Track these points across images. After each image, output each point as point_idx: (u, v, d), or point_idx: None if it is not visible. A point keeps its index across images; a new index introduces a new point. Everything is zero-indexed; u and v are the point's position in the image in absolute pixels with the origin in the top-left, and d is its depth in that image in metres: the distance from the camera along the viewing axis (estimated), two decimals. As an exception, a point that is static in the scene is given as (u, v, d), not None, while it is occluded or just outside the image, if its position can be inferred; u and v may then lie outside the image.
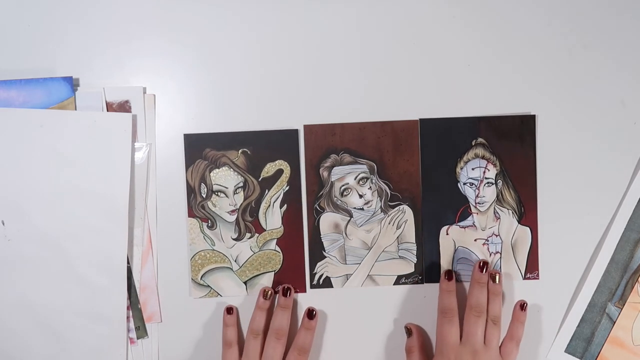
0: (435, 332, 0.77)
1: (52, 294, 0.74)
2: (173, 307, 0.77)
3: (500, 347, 0.74)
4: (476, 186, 0.77)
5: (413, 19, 0.76)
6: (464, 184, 0.77)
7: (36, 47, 0.75)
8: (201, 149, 0.76)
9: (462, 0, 0.76)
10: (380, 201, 0.77)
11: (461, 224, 0.77)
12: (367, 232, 0.77)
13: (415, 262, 0.77)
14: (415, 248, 0.77)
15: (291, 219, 0.76)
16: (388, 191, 0.77)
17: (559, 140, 0.77)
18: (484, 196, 0.77)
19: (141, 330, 0.76)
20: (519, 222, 0.77)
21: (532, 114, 0.77)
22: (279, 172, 0.76)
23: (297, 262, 0.77)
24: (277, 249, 0.77)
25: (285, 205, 0.76)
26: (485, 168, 0.77)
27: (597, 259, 0.77)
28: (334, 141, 0.76)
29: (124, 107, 0.75)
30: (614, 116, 0.77)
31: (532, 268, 0.77)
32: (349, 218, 0.77)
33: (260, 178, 0.76)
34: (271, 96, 0.76)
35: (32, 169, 0.73)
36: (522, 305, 0.75)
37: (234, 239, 0.76)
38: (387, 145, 0.76)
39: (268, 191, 0.76)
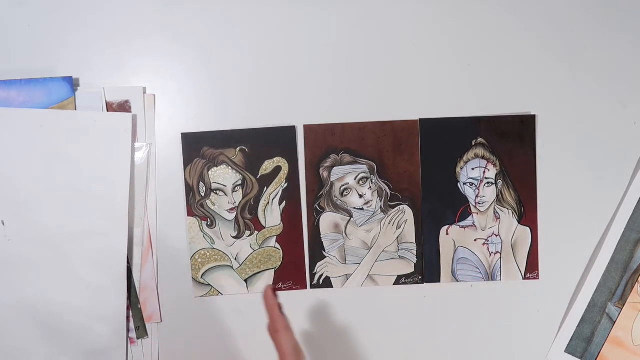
0: (433, 332, 0.77)
1: (52, 294, 0.74)
2: (173, 307, 0.76)
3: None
4: (476, 186, 0.77)
5: (413, 19, 0.76)
6: (464, 184, 0.77)
7: (36, 47, 0.75)
8: (199, 147, 0.76)
9: (462, 1, 0.77)
10: (380, 201, 0.77)
11: (461, 224, 0.77)
12: (367, 232, 0.77)
13: (415, 262, 0.77)
14: (415, 248, 0.77)
15: (290, 215, 0.76)
16: (388, 191, 0.77)
17: (559, 140, 0.77)
18: (484, 196, 0.77)
19: (141, 330, 0.76)
20: (519, 222, 0.77)
21: (532, 114, 0.77)
22: (277, 169, 0.76)
23: (297, 259, 0.77)
24: (277, 246, 0.77)
25: (284, 202, 0.76)
26: (485, 168, 0.77)
27: (597, 259, 0.77)
28: (334, 141, 0.76)
29: (124, 107, 0.75)
30: (614, 116, 0.77)
31: (532, 268, 0.77)
32: (349, 218, 0.77)
33: (259, 175, 0.76)
34: (271, 96, 0.76)
35: (32, 169, 0.73)
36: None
37: (233, 237, 0.76)
38: (387, 145, 0.76)
39: (267, 188, 0.76)
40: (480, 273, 0.77)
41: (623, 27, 0.77)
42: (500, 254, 0.77)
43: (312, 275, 0.77)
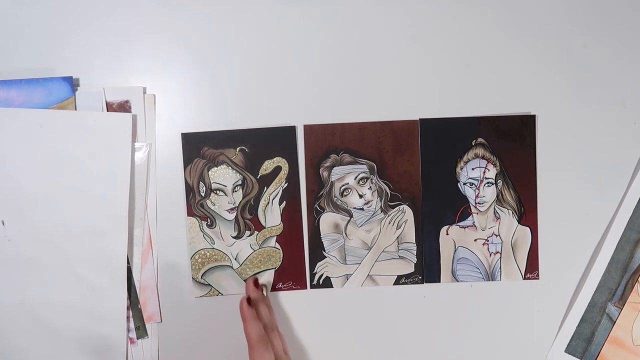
0: (433, 332, 0.77)
1: (52, 294, 0.74)
2: (173, 307, 0.76)
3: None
4: (476, 186, 0.77)
5: (413, 19, 0.76)
6: (464, 184, 0.77)
7: (36, 47, 0.75)
8: (199, 147, 0.76)
9: (462, 0, 0.77)
10: (380, 201, 0.77)
11: (461, 224, 0.77)
12: (367, 232, 0.77)
13: (415, 262, 0.77)
14: (415, 248, 0.77)
15: (290, 215, 0.76)
16: (388, 191, 0.77)
17: (559, 140, 0.77)
18: (484, 196, 0.77)
19: (141, 330, 0.76)
20: (519, 222, 0.77)
21: (532, 114, 0.77)
22: (277, 169, 0.76)
23: (297, 259, 0.77)
24: (277, 246, 0.77)
25: (284, 202, 0.76)
26: (485, 168, 0.77)
27: (597, 259, 0.77)
28: (334, 141, 0.76)
29: (124, 107, 0.75)
30: (614, 116, 0.77)
31: (532, 268, 0.77)
32: (349, 218, 0.77)
33: (259, 175, 0.76)
34: (271, 96, 0.76)
35: (32, 169, 0.73)
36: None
37: (233, 237, 0.76)
38: (387, 145, 0.76)
39: (267, 188, 0.76)
40: (480, 273, 0.77)
41: (623, 27, 0.77)
42: (500, 254, 0.77)
43: (312, 275, 0.77)
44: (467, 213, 0.77)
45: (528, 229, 0.77)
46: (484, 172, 0.77)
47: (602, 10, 0.77)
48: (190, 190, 0.76)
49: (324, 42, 0.76)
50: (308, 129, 0.76)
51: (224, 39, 0.76)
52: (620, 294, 0.77)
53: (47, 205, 0.73)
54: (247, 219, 0.76)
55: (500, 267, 0.77)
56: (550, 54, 0.77)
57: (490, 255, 0.77)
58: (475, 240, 0.77)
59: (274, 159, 0.76)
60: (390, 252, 0.77)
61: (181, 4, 0.76)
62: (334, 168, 0.76)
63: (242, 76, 0.76)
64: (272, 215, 0.76)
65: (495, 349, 0.78)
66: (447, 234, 0.77)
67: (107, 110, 0.75)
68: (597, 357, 0.77)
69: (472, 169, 0.77)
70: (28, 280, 0.73)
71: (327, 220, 0.77)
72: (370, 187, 0.76)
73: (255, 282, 0.74)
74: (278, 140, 0.76)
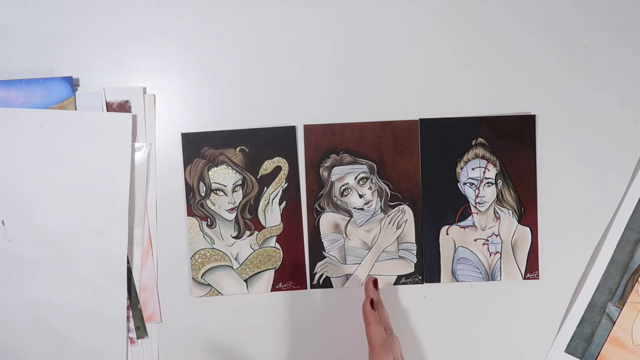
0: (433, 332, 0.77)
1: (52, 294, 0.74)
2: (173, 307, 0.77)
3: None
4: (476, 186, 0.77)
5: (413, 19, 0.76)
6: (464, 184, 0.77)
7: (36, 47, 0.75)
8: (199, 147, 0.76)
9: (462, 1, 0.77)
10: (380, 201, 0.77)
11: (461, 224, 0.77)
12: (367, 232, 0.77)
13: (415, 262, 0.77)
14: (415, 248, 0.77)
15: (290, 215, 0.76)
16: (388, 191, 0.77)
17: (559, 140, 0.77)
18: (484, 196, 0.77)
19: (141, 330, 0.76)
20: (519, 222, 0.77)
21: (532, 114, 0.77)
22: (277, 169, 0.76)
23: (297, 259, 0.77)
24: (277, 246, 0.77)
25: (284, 202, 0.76)
26: (485, 168, 0.77)
27: (597, 259, 0.77)
28: (334, 141, 0.76)
29: (124, 107, 0.75)
30: (614, 116, 0.77)
31: (532, 268, 0.77)
32: (349, 218, 0.77)
33: (259, 175, 0.76)
34: (271, 96, 0.76)
35: (32, 169, 0.73)
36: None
37: (233, 237, 0.76)
38: (387, 145, 0.76)
39: (267, 188, 0.76)
40: (480, 273, 0.77)
41: (623, 27, 0.77)
42: (500, 254, 0.77)
43: (312, 275, 0.77)
44: (467, 213, 0.77)
45: (528, 229, 0.77)
46: (484, 172, 0.77)
47: (602, 10, 0.77)
48: (190, 190, 0.76)
49: (324, 42, 0.76)
50: (308, 129, 0.76)
51: (224, 39, 0.76)
52: (620, 294, 0.77)
53: (47, 205, 0.73)
54: (247, 219, 0.76)
55: (500, 267, 0.77)
56: (550, 54, 0.77)
57: (490, 255, 0.77)
58: (475, 240, 0.77)
59: (274, 159, 0.76)
60: (390, 252, 0.77)
61: (181, 4, 0.76)
62: (334, 168, 0.76)
63: (242, 76, 0.76)
64: (272, 215, 0.76)
65: (495, 349, 0.78)
66: (447, 234, 0.77)
67: (107, 110, 0.75)
68: (597, 357, 0.77)
69: (472, 169, 0.77)
70: (28, 280, 0.73)
71: (327, 220, 0.77)
72: (370, 187, 0.76)
73: (375, 283, 0.71)
74: (278, 140, 0.76)
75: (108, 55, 0.76)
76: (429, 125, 0.76)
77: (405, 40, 0.76)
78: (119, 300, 0.74)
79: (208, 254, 0.76)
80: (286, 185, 0.76)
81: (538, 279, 0.77)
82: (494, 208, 0.77)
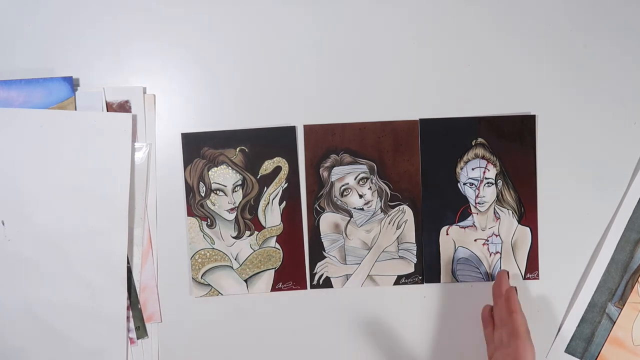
0: (433, 332, 0.77)
1: (52, 294, 0.74)
2: (173, 307, 0.77)
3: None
4: (476, 186, 0.77)
5: (413, 19, 0.76)
6: (464, 184, 0.77)
7: (36, 47, 0.75)
8: (199, 147, 0.76)
9: (462, 1, 0.77)
10: (380, 201, 0.77)
11: (461, 224, 0.77)
12: (367, 232, 0.77)
13: (415, 262, 0.77)
14: (415, 248, 0.77)
15: (290, 215, 0.76)
16: (388, 191, 0.77)
17: (559, 140, 0.77)
18: (484, 196, 0.77)
19: (141, 330, 0.76)
20: (519, 222, 0.77)
21: (532, 114, 0.77)
22: (277, 170, 0.76)
23: (297, 259, 0.77)
24: (277, 246, 0.77)
25: (284, 202, 0.76)
26: (485, 168, 0.77)
27: (597, 259, 0.77)
28: (334, 141, 0.76)
29: (124, 107, 0.75)
30: (614, 116, 0.77)
31: (532, 268, 0.77)
32: (349, 218, 0.77)
33: (259, 175, 0.76)
34: (271, 96, 0.76)
35: (32, 169, 0.73)
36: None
37: (233, 237, 0.76)
38: (387, 145, 0.76)
39: (267, 188, 0.76)
40: (480, 273, 0.77)
41: (623, 27, 0.77)
42: (500, 254, 0.77)
43: (312, 275, 0.77)
44: (467, 213, 0.77)
45: (528, 229, 0.77)
46: (484, 172, 0.77)
47: (602, 10, 0.77)
48: (190, 190, 0.76)
49: (324, 42, 0.76)
50: (308, 129, 0.76)
51: (224, 39, 0.76)
52: (620, 294, 0.77)
53: (47, 205, 0.73)
54: (247, 219, 0.76)
55: (500, 267, 0.77)
56: (550, 54, 0.77)
57: (490, 255, 0.77)
58: (475, 240, 0.77)
59: (274, 159, 0.76)
60: (390, 252, 0.77)
61: (181, 5, 0.76)
62: (334, 168, 0.76)
63: (242, 76, 0.76)
64: (272, 215, 0.76)
65: (495, 349, 0.78)
66: (447, 234, 0.77)
67: (107, 110, 0.75)
68: (597, 357, 0.77)
69: (472, 169, 0.77)
70: (28, 280, 0.73)
71: (327, 220, 0.77)
72: (370, 187, 0.76)
73: (508, 274, 0.75)
74: (278, 140, 0.76)
75: (108, 55, 0.76)
76: (429, 125, 0.76)
77: (405, 40, 0.76)
78: (119, 300, 0.74)
79: (208, 254, 0.76)
80: (286, 185, 0.76)
81: (538, 279, 0.77)
82: (494, 208, 0.77)
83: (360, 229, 0.77)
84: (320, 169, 0.76)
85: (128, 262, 0.75)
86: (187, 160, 0.76)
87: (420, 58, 0.77)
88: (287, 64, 0.76)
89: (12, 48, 0.75)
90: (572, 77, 0.77)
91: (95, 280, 0.74)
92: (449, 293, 0.78)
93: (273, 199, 0.76)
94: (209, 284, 0.76)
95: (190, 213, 0.76)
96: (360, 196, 0.76)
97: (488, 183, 0.77)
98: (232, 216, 0.76)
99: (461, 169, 0.77)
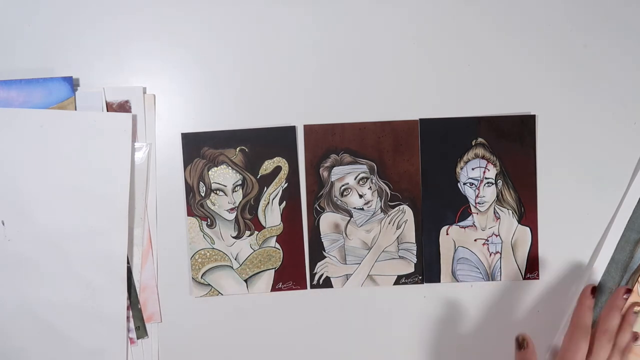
0: (433, 332, 0.77)
1: (52, 294, 0.74)
2: (173, 307, 0.77)
3: None
4: (476, 186, 0.77)
5: (413, 19, 0.76)
6: (464, 184, 0.77)
7: (36, 47, 0.75)
8: (199, 147, 0.76)
9: (462, 1, 0.77)
10: (380, 201, 0.77)
11: (461, 224, 0.77)
12: (367, 232, 0.77)
13: (415, 262, 0.77)
14: (415, 248, 0.77)
15: (290, 215, 0.76)
16: (388, 191, 0.77)
17: (559, 140, 0.77)
18: (484, 196, 0.77)
19: (141, 330, 0.76)
20: (519, 222, 0.77)
21: (532, 114, 0.77)
22: (277, 169, 0.76)
23: (298, 259, 0.77)
24: (277, 246, 0.77)
25: (284, 202, 0.76)
26: (485, 168, 0.77)
27: (597, 259, 0.77)
28: (334, 141, 0.76)
29: (124, 107, 0.75)
30: (614, 116, 0.77)
31: (532, 268, 0.77)
32: (349, 218, 0.77)
33: (259, 175, 0.76)
34: (272, 96, 0.76)
35: (32, 169, 0.73)
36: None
37: (233, 237, 0.76)
38: (387, 145, 0.76)
39: (267, 188, 0.76)
40: (480, 273, 0.77)
41: (623, 27, 0.77)
42: (500, 254, 0.77)
43: (312, 275, 0.77)
44: (467, 213, 0.77)
45: (528, 229, 0.77)
46: (484, 172, 0.77)
47: (602, 10, 0.77)
48: (190, 190, 0.76)
49: (324, 42, 0.76)
50: (308, 129, 0.76)
51: (224, 39, 0.76)
52: (620, 294, 0.76)
53: (47, 205, 0.73)
54: (247, 219, 0.76)
55: (500, 267, 0.77)
56: (550, 54, 0.77)
57: (490, 255, 0.77)
58: (475, 240, 0.77)
59: (274, 159, 0.76)
60: (390, 252, 0.77)
61: (181, 4, 0.76)
62: (334, 168, 0.76)
63: (241, 76, 0.76)
64: (272, 215, 0.76)
65: (496, 349, 0.78)
66: (447, 234, 0.77)
67: (107, 110, 0.75)
68: (597, 357, 0.77)
69: (472, 169, 0.77)
70: (28, 280, 0.73)
71: (327, 220, 0.77)
72: (370, 187, 0.76)
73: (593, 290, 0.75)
74: (278, 140, 0.76)
75: (108, 55, 0.76)
76: (429, 125, 0.76)
77: (405, 40, 0.76)
78: (119, 300, 0.74)
79: (208, 254, 0.76)
80: (286, 185, 0.76)
81: (538, 279, 0.77)
82: (494, 208, 0.77)
83: (360, 228, 0.77)
84: (320, 169, 0.76)
85: (128, 262, 0.75)
86: (187, 160, 0.76)
87: (420, 58, 0.77)
88: (287, 64, 0.76)
89: (12, 48, 0.75)
90: (572, 77, 0.77)
91: (95, 280, 0.74)
92: (449, 293, 0.78)
93: (273, 199, 0.76)
94: (209, 284, 0.76)
95: (190, 213, 0.76)
96: (360, 196, 0.76)
97: (488, 183, 0.77)
98: (232, 216, 0.76)
99: (461, 168, 0.77)
